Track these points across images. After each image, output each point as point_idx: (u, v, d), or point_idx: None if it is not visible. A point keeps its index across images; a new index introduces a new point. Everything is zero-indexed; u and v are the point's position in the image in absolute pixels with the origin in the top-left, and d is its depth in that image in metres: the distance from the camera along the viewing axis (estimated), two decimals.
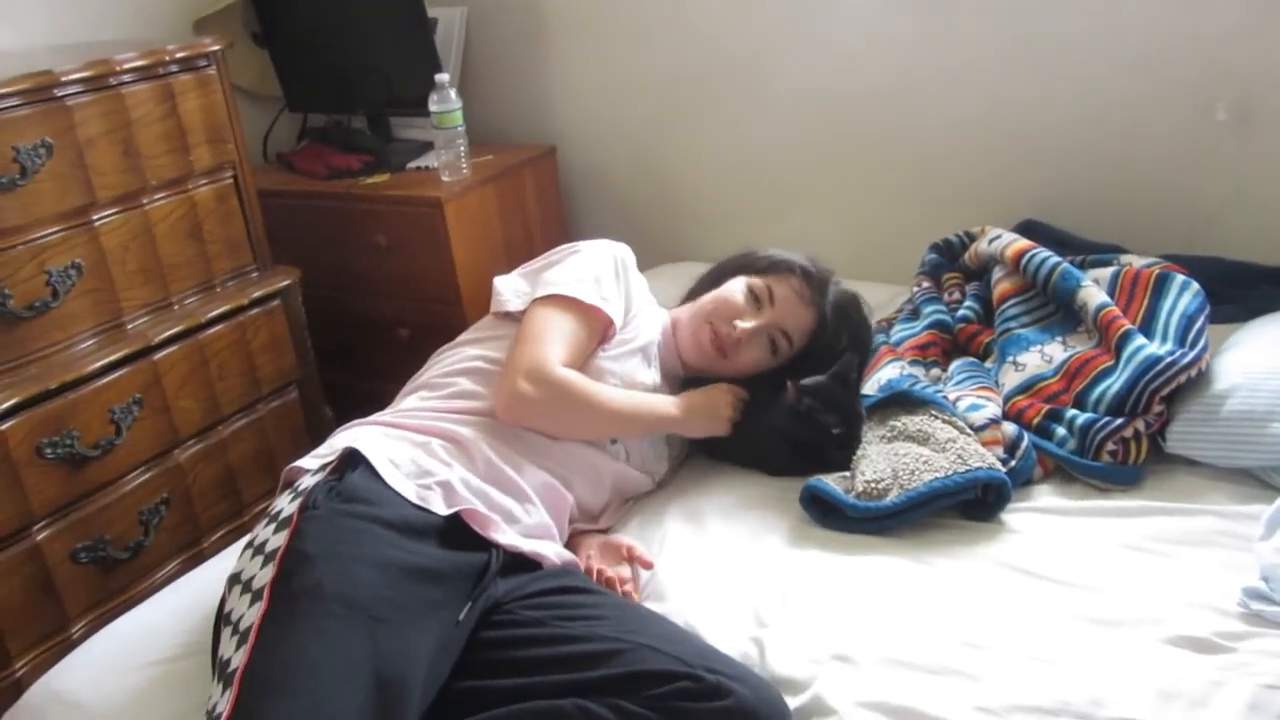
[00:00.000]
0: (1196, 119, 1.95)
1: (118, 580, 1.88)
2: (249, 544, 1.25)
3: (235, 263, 2.10)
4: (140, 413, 1.88)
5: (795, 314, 1.67)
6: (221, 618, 1.20)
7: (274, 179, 2.52)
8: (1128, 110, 2.01)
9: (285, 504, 1.26)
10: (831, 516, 1.47)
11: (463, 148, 2.35)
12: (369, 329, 2.49)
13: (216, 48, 2.00)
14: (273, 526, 1.23)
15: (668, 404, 1.58)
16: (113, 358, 1.84)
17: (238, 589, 1.19)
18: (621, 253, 1.66)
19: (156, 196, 1.93)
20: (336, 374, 2.43)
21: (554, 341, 1.48)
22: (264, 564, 1.18)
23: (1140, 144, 2.02)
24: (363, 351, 2.52)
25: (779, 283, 1.68)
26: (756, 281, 1.68)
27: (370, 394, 1.83)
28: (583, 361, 1.52)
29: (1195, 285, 1.67)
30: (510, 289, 1.61)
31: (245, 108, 2.54)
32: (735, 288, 1.68)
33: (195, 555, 1.98)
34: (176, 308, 1.99)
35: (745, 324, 1.63)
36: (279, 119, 2.70)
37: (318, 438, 1.63)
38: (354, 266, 2.45)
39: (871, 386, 1.66)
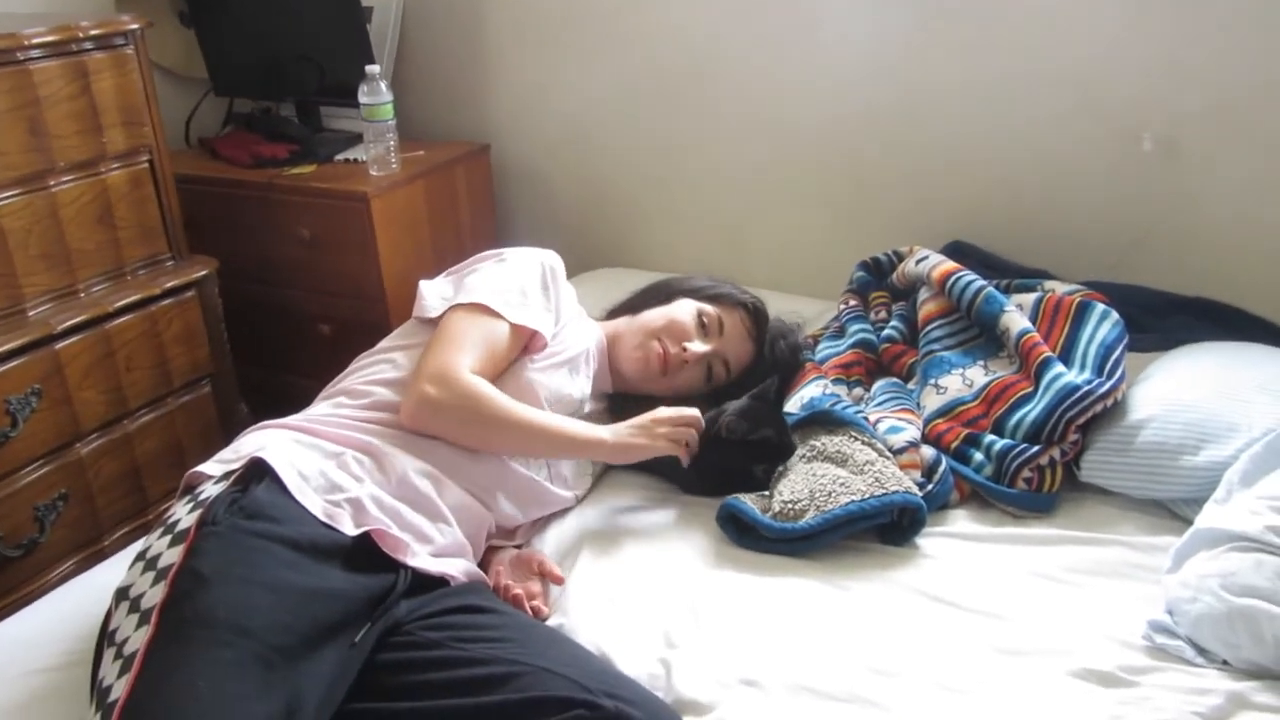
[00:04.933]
0: (1124, 149, 1.97)
1: (9, 579, 1.80)
2: (140, 555, 1.18)
3: (148, 250, 2.02)
4: (39, 404, 1.81)
5: (739, 347, 1.72)
6: (105, 635, 1.13)
7: (195, 164, 2.43)
8: (1057, 137, 2.03)
9: (183, 514, 1.20)
10: (748, 536, 1.46)
11: (392, 142, 2.29)
12: (290, 324, 2.42)
13: (135, 26, 1.92)
14: (168, 539, 1.16)
15: (597, 429, 1.50)
16: (11, 346, 1.75)
17: (125, 606, 1.12)
18: (550, 261, 1.63)
19: (64, 179, 1.85)
20: (255, 369, 2.36)
21: (466, 348, 1.43)
22: (155, 581, 1.11)
23: (1068, 171, 2.04)
24: (283, 347, 2.45)
25: (728, 314, 1.72)
26: (708, 309, 1.70)
27: (289, 390, 1.78)
28: (497, 373, 1.47)
29: (1115, 315, 1.69)
30: (434, 293, 1.56)
31: (168, 89, 2.46)
32: (686, 310, 1.69)
33: (95, 553, 1.91)
34: (83, 295, 1.91)
35: (695, 347, 1.65)
36: (203, 103, 2.62)
37: (232, 434, 1.57)
38: (276, 259, 2.38)
39: (794, 404, 1.66)
